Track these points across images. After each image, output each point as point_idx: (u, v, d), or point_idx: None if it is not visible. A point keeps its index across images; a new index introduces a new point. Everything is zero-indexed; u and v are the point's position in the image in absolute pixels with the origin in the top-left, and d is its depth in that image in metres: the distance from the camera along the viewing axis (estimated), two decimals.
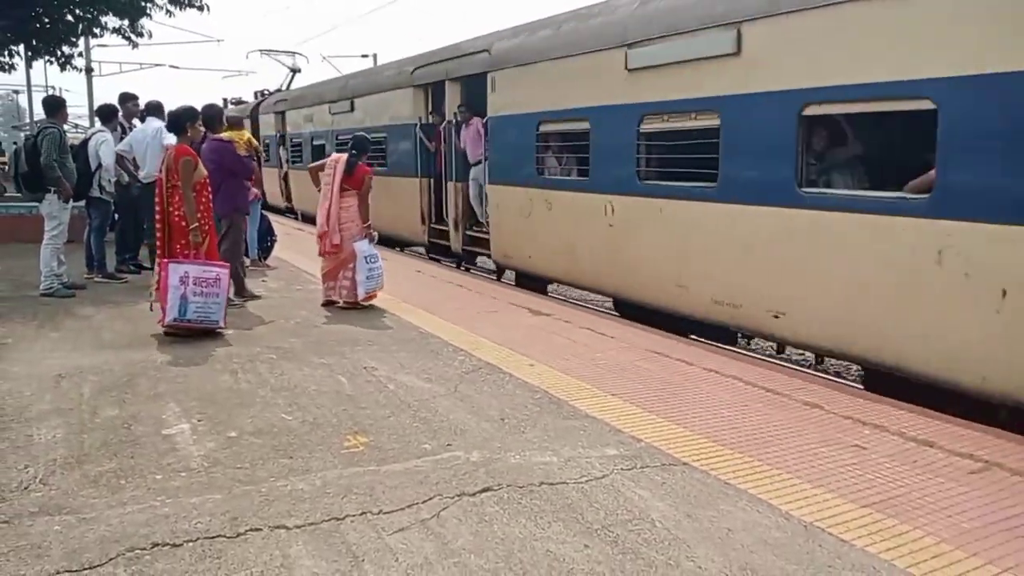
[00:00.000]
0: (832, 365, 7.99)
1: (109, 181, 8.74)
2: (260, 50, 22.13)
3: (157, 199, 6.39)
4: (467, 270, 11.30)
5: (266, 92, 21.71)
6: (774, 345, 7.02)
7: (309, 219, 14.73)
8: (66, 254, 8.18)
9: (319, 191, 7.58)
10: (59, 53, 16.45)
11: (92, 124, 15.42)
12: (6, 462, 3.64)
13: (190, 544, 2.87)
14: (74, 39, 16.63)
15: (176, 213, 6.29)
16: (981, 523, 3.12)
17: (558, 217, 8.42)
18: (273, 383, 4.98)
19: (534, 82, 8.70)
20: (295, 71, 21.27)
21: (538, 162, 8.74)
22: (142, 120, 9.17)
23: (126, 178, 8.90)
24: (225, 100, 23.76)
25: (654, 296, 7.11)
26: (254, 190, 9.48)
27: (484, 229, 10.35)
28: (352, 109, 14.10)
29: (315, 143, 15.87)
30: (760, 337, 6.77)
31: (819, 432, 4.17)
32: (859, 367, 6.34)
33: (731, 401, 4.70)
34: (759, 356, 6.43)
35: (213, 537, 2.93)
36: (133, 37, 15.96)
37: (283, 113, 18.44)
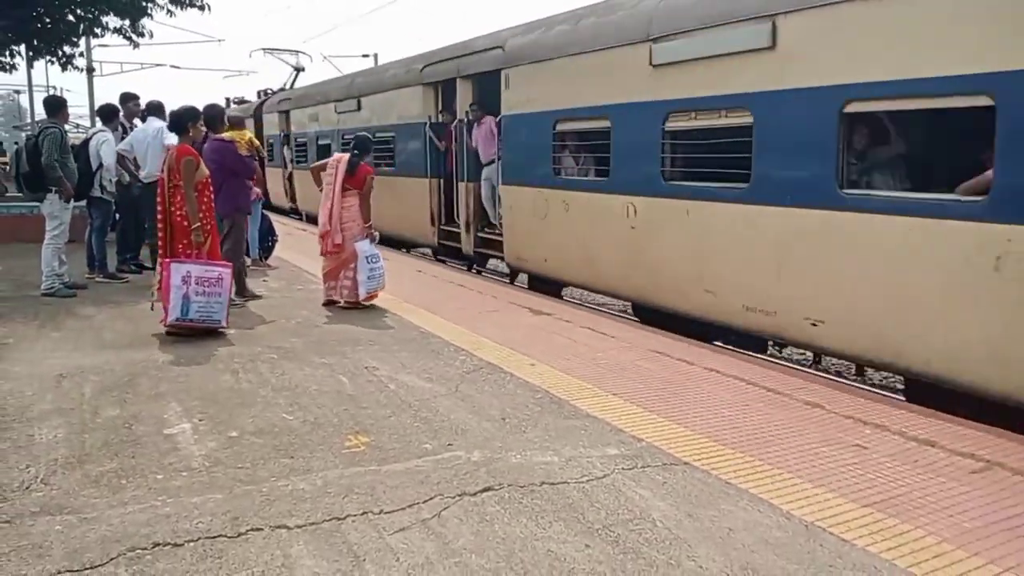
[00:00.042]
0: (833, 365, 7.99)
1: (110, 181, 8.75)
2: (264, 49, 22.13)
3: (159, 199, 6.39)
4: (479, 273, 11.14)
5: (270, 91, 21.54)
6: (807, 353, 6.67)
7: (314, 220, 14.69)
8: (67, 254, 8.19)
9: (321, 191, 7.59)
10: (60, 53, 16.46)
11: (93, 124, 15.47)
12: (7, 462, 3.65)
13: (191, 544, 2.87)
14: (75, 39, 16.64)
15: (178, 213, 6.29)
16: (983, 523, 3.12)
17: (576, 219, 8.16)
18: (274, 383, 4.98)
19: (551, 79, 8.45)
20: (299, 70, 21.19)
21: (555, 162, 8.50)
22: (143, 120, 9.19)
23: (127, 178, 8.91)
24: (228, 99, 23.77)
25: (678, 301, 6.84)
26: (256, 190, 9.49)
27: (496, 231, 10.12)
28: (359, 108, 13.88)
29: (320, 143, 15.62)
30: (796, 346, 6.49)
31: (820, 432, 4.17)
32: (902, 378, 6.01)
33: (732, 401, 4.69)
34: (760, 356, 6.40)
35: (214, 537, 2.93)
36: (134, 37, 15.96)
37: (287, 112, 18.20)
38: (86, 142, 8.76)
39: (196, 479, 3.47)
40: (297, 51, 21.72)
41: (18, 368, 5.26)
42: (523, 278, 9.95)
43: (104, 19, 15.51)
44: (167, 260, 6.14)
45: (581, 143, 8.46)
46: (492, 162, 10.03)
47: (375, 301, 7.50)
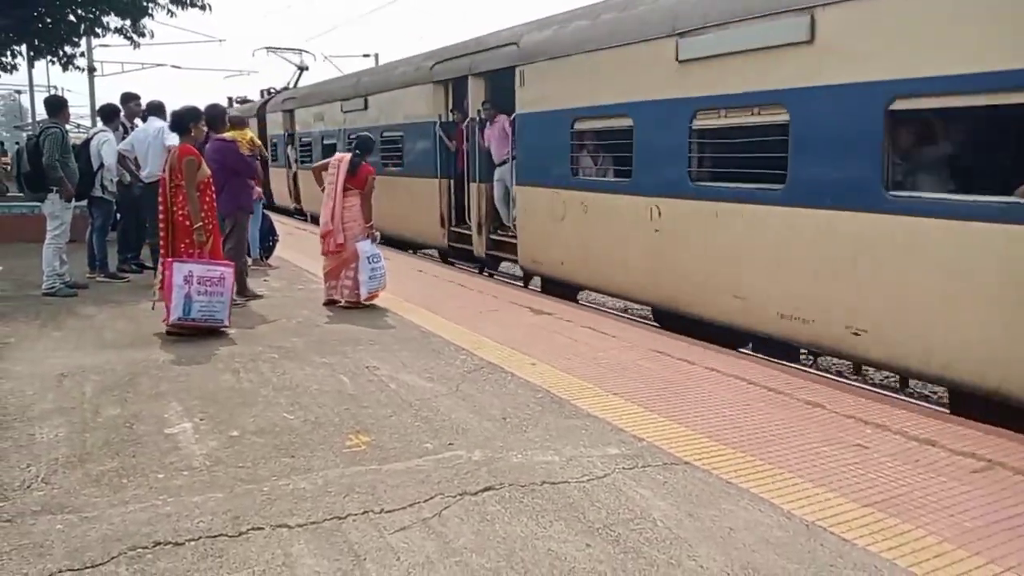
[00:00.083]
0: (833, 365, 7.99)
1: (111, 181, 8.76)
2: (267, 47, 22.05)
3: (161, 199, 6.40)
4: (491, 275, 10.94)
5: (273, 90, 21.32)
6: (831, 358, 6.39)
7: (319, 220, 14.58)
8: (68, 254, 8.19)
9: (322, 190, 7.59)
10: (61, 53, 16.50)
11: (94, 124, 15.48)
12: (8, 461, 3.65)
13: (192, 543, 2.88)
14: (76, 39, 16.68)
15: (180, 212, 6.30)
16: (983, 522, 3.12)
17: (595, 221, 7.87)
18: (275, 382, 4.98)
19: (568, 76, 8.13)
20: (303, 69, 21.02)
21: (572, 162, 8.22)
22: (144, 120, 9.18)
23: (128, 178, 8.92)
24: (230, 99, 23.74)
25: (706, 307, 6.56)
26: (258, 189, 9.49)
27: (509, 233, 9.84)
28: (366, 107, 13.55)
29: (326, 142, 15.27)
30: (835, 356, 6.25)
31: (821, 431, 4.17)
32: (945, 388, 5.78)
33: (733, 400, 4.69)
34: (760, 356, 6.38)
35: (215, 536, 2.93)
36: (135, 37, 16.00)
37: (292, 112, 17.90)
38: (87, 142, 8.77)
39: (197, 478, 3.47)
40: (301, 50, 21.62)
41: (19, 367, 5.27)
42: (536, 282, 9.72)
43: (105, 19, 15.55)
44: (169, 260, 6.15)
45: (601, 142, 8.18)
46: (505, 162, 9.74)
47: (376, 301, 7.51)
